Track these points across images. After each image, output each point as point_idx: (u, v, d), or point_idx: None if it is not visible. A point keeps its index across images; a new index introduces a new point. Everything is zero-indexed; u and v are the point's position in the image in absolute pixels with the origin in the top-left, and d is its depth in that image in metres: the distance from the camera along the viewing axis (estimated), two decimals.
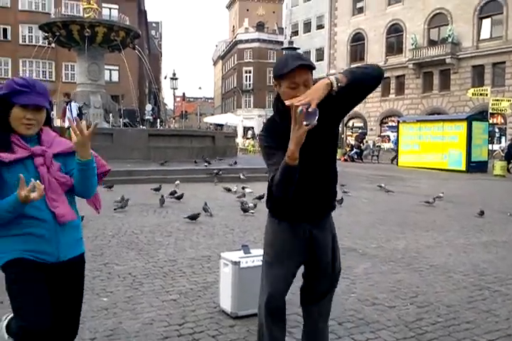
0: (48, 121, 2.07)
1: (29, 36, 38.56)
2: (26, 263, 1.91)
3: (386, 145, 33.85)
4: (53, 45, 17.58)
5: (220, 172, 12.49)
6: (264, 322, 2.37)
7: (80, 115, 13.40)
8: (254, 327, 3.17)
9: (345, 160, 25.94)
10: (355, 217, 7.74)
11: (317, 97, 1.83)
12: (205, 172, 12.50)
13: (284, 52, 21.34)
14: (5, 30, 39.48)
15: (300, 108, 1.79)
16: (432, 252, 5.48)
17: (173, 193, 9.10)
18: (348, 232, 6.42)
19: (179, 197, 8.83)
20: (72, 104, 13.47)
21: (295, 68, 1.96)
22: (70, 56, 22.14)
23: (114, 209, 7.54)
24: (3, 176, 1.87)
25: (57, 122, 16.41)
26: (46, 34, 17.44)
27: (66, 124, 12.76)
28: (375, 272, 4.61)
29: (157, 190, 9.44)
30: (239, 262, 3.33)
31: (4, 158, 1.84)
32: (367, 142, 29.77)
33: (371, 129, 37.15)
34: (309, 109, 1.79)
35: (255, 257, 3.37)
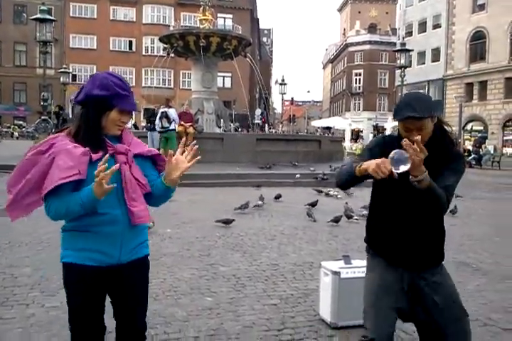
0: None
1: (151, 47, 41.74)
2: (82, 271, 1.91)
3: (510, 151, 31.10)
4: (172, 55, 18.76)
5: (326, 177, 12.41)
6: None
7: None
8: (354, 339, 3.11)
9: None
10: (470, 229, 7.23)
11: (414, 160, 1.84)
12: (311, 177, 12.50)
13: (396, 54, 20.62)
14: (130, 42, 43.18)
15: (392, 154, 1.85)
16: None
17: (278, 197, 9.27)
18: (460, 245, 6.02)
19: (277, 197, 9.35)
20: (171, 110, 13.26)
21: (405, 118, 2.04)
22: (187, 64, 23.47)
23: (235, 209, 7.88)
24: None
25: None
26: (165, 45, 18.71)
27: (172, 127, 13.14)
28: (489, 290, 4.27)
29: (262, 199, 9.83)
30: (339, 272, 3.29)
31: (93, 158, 1.83)
32: (486, 147, 27.60)
33: (492, 133, 34.39)
34: (398, 157, 1.84)
35: (356, 268, 3.31)
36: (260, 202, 8.57)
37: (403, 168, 1.82)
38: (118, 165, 1.80)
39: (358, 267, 3.36)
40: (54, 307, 3.58)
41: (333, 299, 3.31)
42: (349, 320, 3.27)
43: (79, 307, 1.96)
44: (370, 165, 1.92)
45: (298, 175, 12.43)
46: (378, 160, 1.90)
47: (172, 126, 12.98)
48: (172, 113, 13.10)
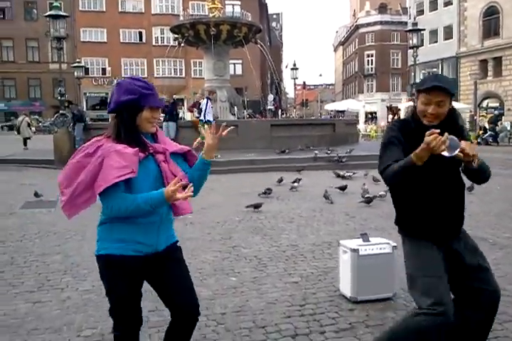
0: None
1: (161, 37, 41.74)
2: (122, 262, 2.00)
3: None
4: (183, 44, 18.80)
5: (344, 160, 12.47)
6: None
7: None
8: (373, 312, 3.26)
9: (479, 143, 23.98)
10: (487, 205, 7.27)
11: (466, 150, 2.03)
12: (326, 160, 12.59)
13: (408, 34, 20.30)
14: (140, 33, 43.24)
15: (448, 139, 1.93)
16: None
17: (296, 181, 9.37)
18: (477, 221, 6.09)
19: (295, 181, 9.15)
20: (203, 101, 13.80)
21: (430, 87, 2.13)
22: (198, 53, 23.47)
23: (259, 195, 8.01)
24: None
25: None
26: (176, 35, 18.76)
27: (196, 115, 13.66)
28: (506, 263, 4.36)
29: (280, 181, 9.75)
30: (358, 250, 3.42)
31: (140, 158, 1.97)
32: (502, 124, 27.21)
33: (508, 109, 33.82)
34: (453, 144, 1.95)
35: (374, 245, 3.44)
36: (296, 184, 8.80)
37: (453, 153, 1.95)
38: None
39: (376, 244, 3.50)
40: (87, 290, 3.79)
41: (353, 275, 3.44)
42: (368, 294, 3.42)
43: (122, 297, 2.07)
44: (426, 141, 1.91)
45: (316, 152, 13.03)
46: (430, 137, 1.91)
47: (201, 117, 13.52)
48: (202, 104, 13.61)
